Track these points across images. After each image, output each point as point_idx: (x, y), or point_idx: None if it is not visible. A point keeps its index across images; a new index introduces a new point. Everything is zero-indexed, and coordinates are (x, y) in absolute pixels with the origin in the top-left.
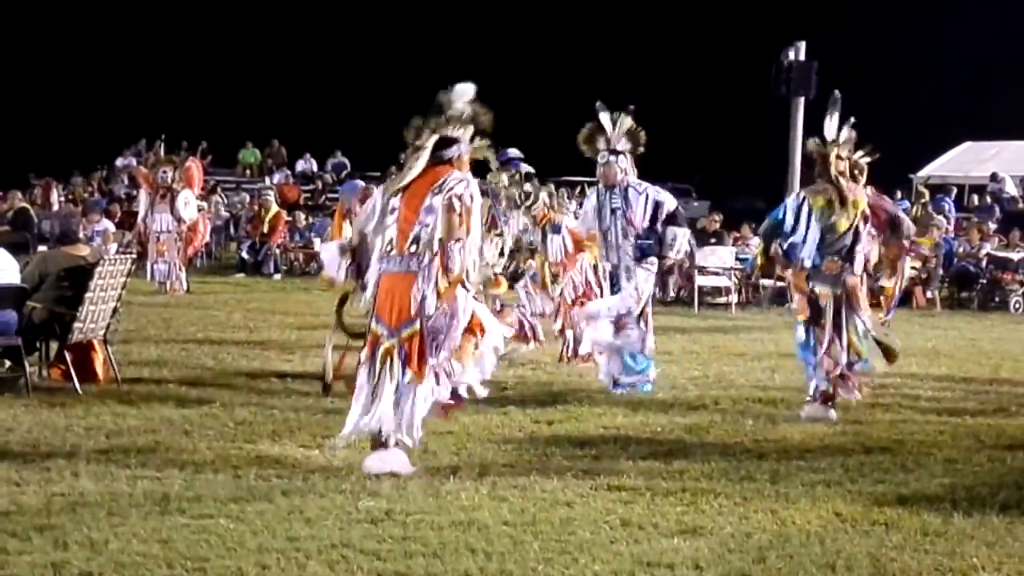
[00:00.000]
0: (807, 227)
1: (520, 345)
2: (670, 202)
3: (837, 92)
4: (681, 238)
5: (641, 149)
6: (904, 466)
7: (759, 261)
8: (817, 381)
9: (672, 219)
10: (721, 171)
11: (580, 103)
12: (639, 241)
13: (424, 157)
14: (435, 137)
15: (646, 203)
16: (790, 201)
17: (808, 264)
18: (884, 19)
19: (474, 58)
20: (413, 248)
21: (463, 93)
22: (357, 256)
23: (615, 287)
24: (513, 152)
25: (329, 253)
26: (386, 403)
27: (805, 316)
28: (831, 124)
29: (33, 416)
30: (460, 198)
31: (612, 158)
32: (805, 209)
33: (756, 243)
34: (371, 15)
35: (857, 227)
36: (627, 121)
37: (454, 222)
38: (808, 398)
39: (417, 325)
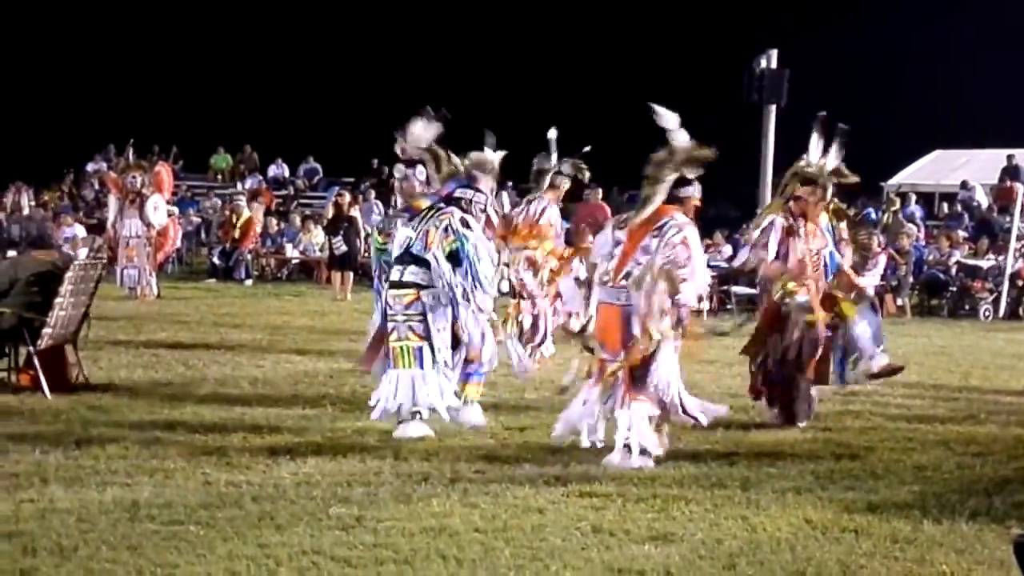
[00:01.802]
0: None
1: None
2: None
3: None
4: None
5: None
6: (874, 473)
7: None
8: None
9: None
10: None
11: (554, 111)
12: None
13: (663, 193)
14: (675, 175)
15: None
16: None
17: None
18: (856, 28)
19: (449, 64)
20: (624, 282)
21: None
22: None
23: None
24: None
25: (568, 288)
26: (618, 418)
27: None
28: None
29: (1, 422)
30: (675, 260)
31: (409, 171)
32: None
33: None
34: (342, 22)
35: None
36: (433, 130)
37: (675, 279)
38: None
39: (625, 356)
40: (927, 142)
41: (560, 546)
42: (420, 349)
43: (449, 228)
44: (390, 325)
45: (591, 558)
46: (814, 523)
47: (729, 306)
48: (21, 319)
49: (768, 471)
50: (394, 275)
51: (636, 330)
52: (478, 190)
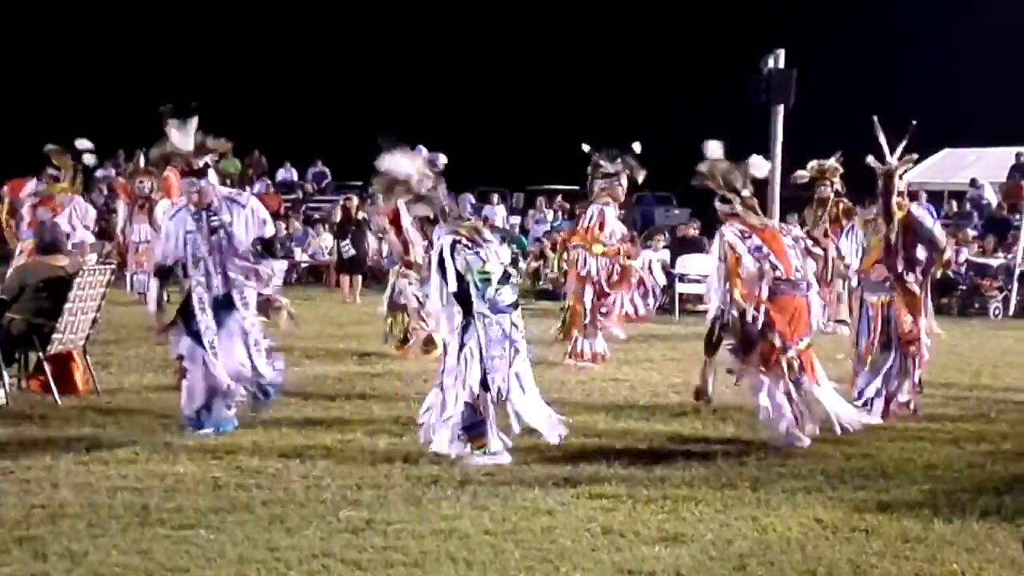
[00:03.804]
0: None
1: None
2: (268, 227)
3: (914, 123)
4: (276, 269)
5: (219, 149)
6: (884, 472)
7: None
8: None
9: (268, 248)
10: None
11: (561, 113)
12: (244, 261)
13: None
14: None
15: (252, 216)
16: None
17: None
18: (863, 27)
19: (456, 68)
20: (799, 275)
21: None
22: None
23: (218, 317)
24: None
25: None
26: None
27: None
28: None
29: (12, 427)
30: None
31: (202, 181)
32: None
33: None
34: (350, 25)
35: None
36: (192, 129)
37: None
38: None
39: (809, 339)
40: (936, 140)
41: (570, 548)
42: None
43: None
44: (518, 346)
45: (601, 559)
46: (824, 523)
47: None
48: (31, 325)
49: (778, 471)
50: (514, 295)
51: (817, 314)
52: None
